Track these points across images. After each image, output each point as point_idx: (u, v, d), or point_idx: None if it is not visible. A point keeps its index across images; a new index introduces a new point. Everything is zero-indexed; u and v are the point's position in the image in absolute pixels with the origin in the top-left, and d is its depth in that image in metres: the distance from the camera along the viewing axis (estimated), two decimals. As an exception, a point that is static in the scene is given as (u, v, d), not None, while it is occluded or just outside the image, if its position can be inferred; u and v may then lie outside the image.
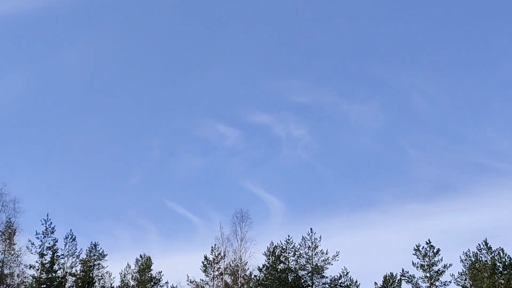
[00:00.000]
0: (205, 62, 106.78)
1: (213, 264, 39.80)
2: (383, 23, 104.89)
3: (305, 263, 39.64)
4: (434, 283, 37.51)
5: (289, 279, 39.22)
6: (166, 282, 40.56)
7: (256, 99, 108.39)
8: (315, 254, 39.57)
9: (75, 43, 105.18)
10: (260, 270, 39.31)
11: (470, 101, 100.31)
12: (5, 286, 37.17)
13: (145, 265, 39.76)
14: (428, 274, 37.80)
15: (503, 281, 34.67)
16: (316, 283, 39.50)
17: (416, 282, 38.17)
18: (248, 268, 38.52)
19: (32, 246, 36.86)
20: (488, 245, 37.19)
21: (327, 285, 39.49)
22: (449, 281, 37.43)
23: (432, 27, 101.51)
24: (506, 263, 35.62)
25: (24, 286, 37.17)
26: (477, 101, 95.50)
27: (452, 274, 37.59)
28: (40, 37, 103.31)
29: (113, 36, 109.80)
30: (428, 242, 38.57)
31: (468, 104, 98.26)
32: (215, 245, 39.98)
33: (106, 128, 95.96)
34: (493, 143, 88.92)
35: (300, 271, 39.85)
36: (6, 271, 36.60)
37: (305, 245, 40.01)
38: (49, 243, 37.39)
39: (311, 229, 40.44)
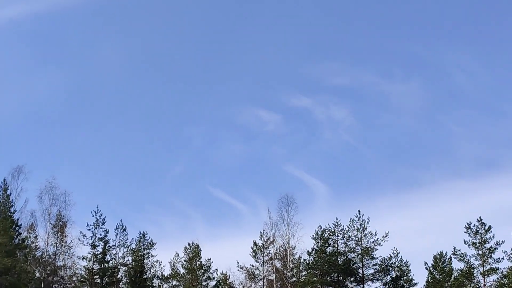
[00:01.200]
0: (242, 48, 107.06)
1: (262, 249, 39.69)
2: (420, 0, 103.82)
3: (354, 245, 39.59)
4: (486, 261, 37.31)
5: (339, 261, 39.12)
6: (216, 269, 40.45)
7: (295, 83, 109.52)
8: (364, 236, 39.46)
9: (112, 38, 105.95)
10: (309, 254, 39.26)
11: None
12: (58, 277, 37.24)
13: (194, 253, 39.60)
14: (480, 252, 37.55)
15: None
16: (367, 264, 39.46)
17: (468, 260, 37.97)
18: (297, 252, 38.37)
19: (83, 238, 36.80)
20: (541, 219, 36.94)
21: (377, 266, 39.44)
22: (502, 258, 37.11)
23: (471, 2, 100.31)
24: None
25: (76, 278, 37.17)
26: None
27: (505, 251, 37.31)
28: (79, 34, 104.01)
29: (149, 28, 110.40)
30: (479, 219, 38.18)
31: (509, 78, 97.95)
32: (263, 230, 39.84)
33: (148, 119, 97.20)
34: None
35: (349, 253, 39.81)
36: (59, 263, 36.64)
37: (353, 227, 39.90)
38: (100, 234, 37.37)
39: (359, 211, 40.28)
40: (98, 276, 36.95)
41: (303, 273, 38.81)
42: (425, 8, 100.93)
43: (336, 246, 39.96)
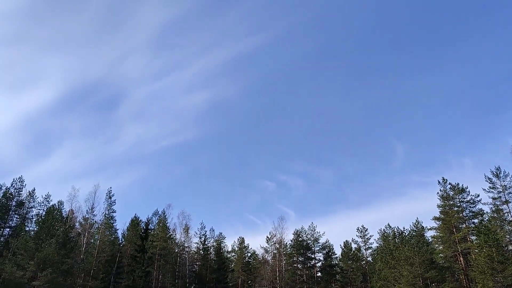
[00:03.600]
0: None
1: (271, 239, 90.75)
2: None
3: (310, 237, 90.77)
4: (367, 244, 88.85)
5: (303, 244, 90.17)
6: (251, 248, 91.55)
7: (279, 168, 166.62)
8: (314, 232, 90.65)
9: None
10: (291, 241, 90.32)
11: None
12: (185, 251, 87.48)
13: (241, 241, 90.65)
14: (363, 243, 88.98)
15: None
16: (316, 245, 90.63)
17: (357, 241, 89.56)
18: (286, 241, 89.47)
19: (196, 234, 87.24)
20: None
21: (320, 246, 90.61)
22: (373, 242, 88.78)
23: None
24: None
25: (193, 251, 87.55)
26: None
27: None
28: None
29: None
30: (363, 226, 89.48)
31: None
32: (270, 231, 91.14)
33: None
34: None
35: (308, 240, 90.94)
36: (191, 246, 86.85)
37: (310, 228, 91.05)
38: (204, 234, 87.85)
39: (312, 222, 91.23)
40: (202, 251, 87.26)
41: (288, 250, 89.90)
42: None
43: (302, 237, 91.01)
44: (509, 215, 58.03)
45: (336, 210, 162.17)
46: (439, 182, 70.09)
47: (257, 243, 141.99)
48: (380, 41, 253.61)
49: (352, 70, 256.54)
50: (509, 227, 56.79)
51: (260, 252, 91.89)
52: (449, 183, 68.60)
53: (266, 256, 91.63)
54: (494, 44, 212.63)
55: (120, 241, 72.37)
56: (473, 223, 64.15)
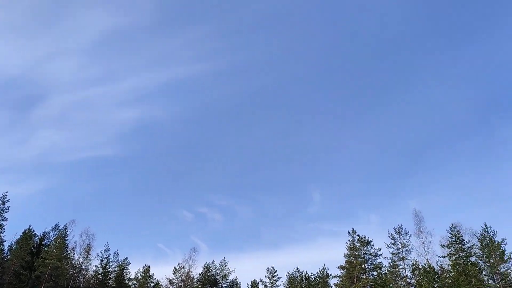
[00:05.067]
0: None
1: (179, 270, 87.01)
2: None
3: (219, 272, 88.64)
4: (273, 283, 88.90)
5: (212, 279, 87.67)
6: (156, 279, 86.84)
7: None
8: (224, 268, 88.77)
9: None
10: (200, 274, 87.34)
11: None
12: (81, 274, 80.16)
13: (147, 270, 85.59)
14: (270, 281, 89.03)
15: None
16: (224, 281, 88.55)
17: (264, 282, 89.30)
18: (194, 274, 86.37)
19: (97, 256, 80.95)
20: None
21: (228, 283, 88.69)
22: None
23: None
24: None
25: (90, 275, 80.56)
26: None
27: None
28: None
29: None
30: (271, 268, 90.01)
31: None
32: (179, 262, 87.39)
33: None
34: None
35: (217, 276, 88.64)
36: (83, 267, 79.83)
37: (221, 264, 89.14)
38: (105, 255, 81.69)
39: (224, 257, 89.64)
40: (101, 276, 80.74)
41: (195, 284, 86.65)
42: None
43: (212, 272, 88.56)
44: (404, 271, 61.95)
45: (250, 248, 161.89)
46: (349, 232, 73.34)
47: (163, 274, 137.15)
48: (317, 86, 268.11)
49: (285, 113, 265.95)
50: (403, 282, 60.41)
51: (164, 283, 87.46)
52: (358, 235, 72.00)
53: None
54: (406, 110, 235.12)
55: (5, 255, 64.39)
56: (372, 275, 67.30)
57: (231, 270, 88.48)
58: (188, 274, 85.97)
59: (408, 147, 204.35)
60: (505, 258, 53.27)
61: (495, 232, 56.17)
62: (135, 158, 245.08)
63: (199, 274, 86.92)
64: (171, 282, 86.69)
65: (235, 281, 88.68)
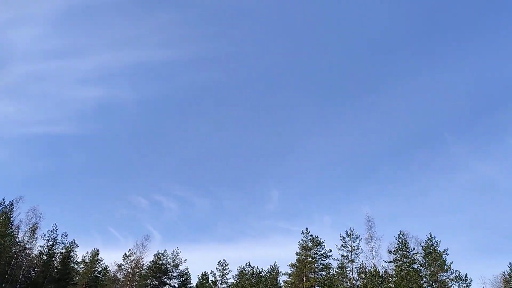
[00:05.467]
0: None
1: (129, 256, 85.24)
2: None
3: (171, 261, 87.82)
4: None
5: (162, 268, 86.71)
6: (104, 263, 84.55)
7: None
8: (176, 258, 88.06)
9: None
10: (150, 262, 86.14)
11: None
12: (25, 253, 76.63)
13: (95, 253, 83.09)
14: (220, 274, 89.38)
15: None
16: (174, 271, 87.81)
17: (215, 274, 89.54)
18: (145, 261, 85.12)
19: (44, 236, 77.72)
20: None
21: (179, 272, 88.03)
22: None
23: None
24: None
25: (34, 255, 77.21)
26: None
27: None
28: None
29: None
30: (223, 260, 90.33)
31: None
32: (130, 249, 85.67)
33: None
34: None
35: (167, 265, 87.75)
36: (28, 246, 76.31)
37: (172, 253, 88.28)
38: (52, 235, 78.47)
39: (177, 247, 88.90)
40: (46, 256, 77.64)
41: (144, 271, 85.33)
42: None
43: (163, 260, 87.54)
44: (351, 273, 64.13)
45: (204, 240, 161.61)
46: (302, 232, 74.81)
47: (113, 259, 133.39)
48: (284, 83, 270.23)
49: (249, 108, 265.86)
50: (349, 284, 62.55)
51: (113, 268, 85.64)
52: (311, 235, 73.64)
53: (119, 274, 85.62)
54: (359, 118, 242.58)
55: None
56: (321, 274, 69.16)
57: (182, 260, 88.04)
58: (138, 261, 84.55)
59: (367, 154, 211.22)
60: (445, 268, 56.43)
61: (439, 242, 59.34)
62: (92, 138, 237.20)
63: (150, 262, 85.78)
64: (120, 268, 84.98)
65: (186, 271, 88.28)
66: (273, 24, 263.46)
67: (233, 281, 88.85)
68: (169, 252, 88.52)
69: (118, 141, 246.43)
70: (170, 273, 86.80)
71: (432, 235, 60.20)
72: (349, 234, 67.65)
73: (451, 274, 56.22)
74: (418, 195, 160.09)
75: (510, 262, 55.94)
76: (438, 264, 57.10)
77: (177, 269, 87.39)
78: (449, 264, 56.77)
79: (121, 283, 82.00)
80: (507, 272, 56.31)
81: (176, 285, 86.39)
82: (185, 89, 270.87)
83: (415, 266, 59.51)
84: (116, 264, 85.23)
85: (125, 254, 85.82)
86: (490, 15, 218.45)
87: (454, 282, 54.82)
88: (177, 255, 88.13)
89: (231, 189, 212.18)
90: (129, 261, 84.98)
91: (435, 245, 59.10)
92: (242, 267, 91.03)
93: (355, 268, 64.34)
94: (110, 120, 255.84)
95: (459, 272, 55.28)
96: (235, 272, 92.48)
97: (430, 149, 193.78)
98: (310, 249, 72.49)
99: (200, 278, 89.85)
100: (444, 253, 57.93)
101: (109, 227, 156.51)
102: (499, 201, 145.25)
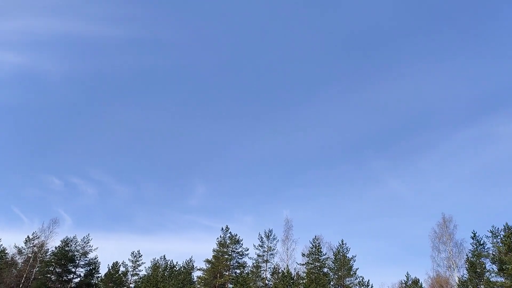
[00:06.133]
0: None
1: (30, 241, 78.36)
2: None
3: (79, 248, 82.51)
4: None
5: (68, 255, 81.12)
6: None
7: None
8: (86, 245, 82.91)
9: None
10: (56, 248, 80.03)
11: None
12: None
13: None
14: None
15: None
16: (82, 259, 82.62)
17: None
18: (49, 246, 78.83)
19: None
20: None
21: (87, 261, 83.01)
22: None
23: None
24: None
25: None
26: None
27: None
28: None
29: None
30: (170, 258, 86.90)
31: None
32: (35, 231, 78.87)
33: None
34: None
35: (76, 252, 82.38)
36: None
37: (80, 240, 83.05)
38: None
39: (86, 235, 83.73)
40: None
41: (47, 257, 79.09)
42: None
43: (71, 247, 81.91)
44: (265, 273, 65.48)
45: (121, 230, 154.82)
46: (222, 228, 74.76)
47: (13, 242, 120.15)
48: (222, 78, 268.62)
49: (182, 99, 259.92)
50: (261, 283, 63.79)
51: (12, 251, 78.07)
52: (230, 232, 73.84)
53: (18, 259, 78.32)
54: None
55: None
56: (236, 272, 69.69)
57: (93, 248, 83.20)
58: (42, 245, 78.19)
59: (295, 157, 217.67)
60: (351, 273, 60.01)
61: (349, 249, 62.93)
62: (7, 107, 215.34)
63: (56, 248, 79.70)
64: (19, 251, 77.82)
65: (95, 260, 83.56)
66: (218, 17, 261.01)
67: (145, 273, 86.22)
68: (79, 239, 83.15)
69: (37, 113, 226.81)
70: (78, 261, 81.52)
71: (344, 242, 63.68)
72: (267, 234, 69.04)
73: (355, 279, 59.86)
74: (337, 203, 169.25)
75: (407, 272, 61.00)
76: (346, 270, 60.48)
77: (86, 257, 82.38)
78: (355, 270, 60.41)
79: (19, 268, 75.06)
80: (404, 281, 61.35)
81: (82, 274, 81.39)
82: (120, 71, 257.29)
83: (325, 270, 62.45)
84: (15, 247, 77.87)
85: (28, 237, 78.84)
86: (408, 45, 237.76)
87: (357, 287, 58.44)
88: (88, 242, 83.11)
89: (155, 180, 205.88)
90: (31, 245, 78.15)
91: (345, 251, 62.54)
92: (156, 259, 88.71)
93: (269, 268, 65.84)
94: (32, 90, 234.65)
95: (363, 278, 59.06)
96: (149, 264, 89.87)
97: (352, 161, 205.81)
98: (227, 246, 72.66)
99: (110, 268, 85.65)
100: (352, 260, 61.54)
101: (13, 206, 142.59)
102: (406, 215, 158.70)
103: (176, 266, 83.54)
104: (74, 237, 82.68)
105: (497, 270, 50.61)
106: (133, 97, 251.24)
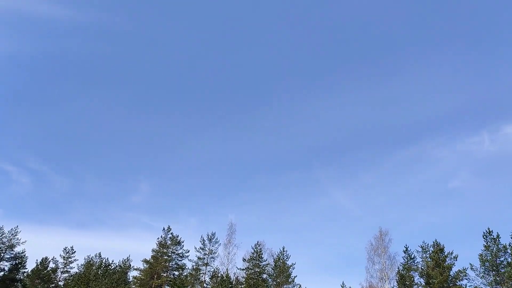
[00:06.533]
0: None
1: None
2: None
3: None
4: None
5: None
6: None
7: None
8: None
9: None
10: None
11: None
12: None
13: None
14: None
15: None
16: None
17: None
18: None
19: None
20: None
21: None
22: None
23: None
24: None
25: None
26: None
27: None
28: None
29: None
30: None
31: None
32: None
33: None
34: None
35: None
36: None
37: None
38: None
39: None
40: None
41: None
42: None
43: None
44: (204, 276, 64.65)
45: (56, 223, 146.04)
46: (164, 229, 72.92)
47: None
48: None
49: (137, 92, 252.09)
50: (199, 287, 62.88)
51: None
52: (171, 233, 72.18)
53: None
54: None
55: None
56: (174, 274, 68.16)
57: (21, 241, 77.41)
58: (-38, 235, 71.56)
59: (244, 162, 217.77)
60: (289, 280, 60.89)
61: (289, 256, 63.80)
62: None
63: (-23, 239, 73.28)
64: None
65: (22, 254, 77.83)
66: (175, 11, 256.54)
67: (77, 271, 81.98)
68: (5, 231, 77.03)
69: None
70: (2, 254, 75.46)
71: (285, 249, 64.49)
72: (209, 237, 68.32)
73: (293, 286, 60.82)
74: (282, 210, 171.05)
75: (343, 282, 62.93)
76: (284, 277, 61.22)
77: (12, 250, 76.44)
78: (293, 277, 61.36)
79: None
80: (339, 290, 63.31)
81: (7, 268, 75.42)
82: (68, 56, 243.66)
83: (264, 276, 62.84)
84: None
85: None
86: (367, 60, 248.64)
87: (294, 294, 59.43)
88: (15, 235, 77.06)
89: (97, 173, 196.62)
90: None
91: (285, 258, 63.34)
92: (91, 256, 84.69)
93: (208, 271, 65.10)
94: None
95: (300, 286, 60.17)
96: (82, 262, 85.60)
97: (300, 169, 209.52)
98: (168, 247, 70.94)
99: (38, 264, 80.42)
100: (291, 267, 62.46)
101: None
102: (346, 227, 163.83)
103: (112, 265, 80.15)
104: (0, 228, 76.57)
105: (424, 283, 53.74)
106: (80, 85, 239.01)
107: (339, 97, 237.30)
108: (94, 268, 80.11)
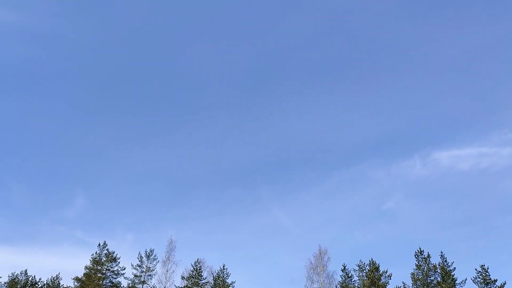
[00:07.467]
0: None
1: None
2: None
3: None
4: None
5: None
6: None
7: None
8: None
9: None
10: None
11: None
12: None
13: None
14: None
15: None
16: None
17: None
18: None
19: None
20: None
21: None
22: None
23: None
24: None
25: None
26: None
27: None
28: None
29: None
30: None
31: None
32: None
33: None
34: None
35: None
36: None
37: None
38: None
39: None
40: None
41: None
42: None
43: None
44: (140, 294, 61.60)
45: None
46: (99, 244, 68.88)
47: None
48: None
49: (76, 99, 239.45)
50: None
51: None
52: (107, 249, 68.42)
53: None
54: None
55: None
56: (107, 293, 64.36)
57: None
58: None
59: (186, 176, 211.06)
60: (229, 299, 59.59)
61: (229, 274, 62.48)
62: None
63: None
64: None
65: None
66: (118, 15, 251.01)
67: (-1, 290, 75.01)
68: None
69: None
70: None
71: (225, 267, 63.16)
72: (147, 254, 65.57)
73: (231, 305, 59.50)
74: (224, 226, 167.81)
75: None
76: (224, 295, 59.82)
77: None
78: (233, 295, 60.13)
79: None
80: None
81: None
82: (6, 59, 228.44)
83: (203, 294, 60.99)
84: None
85: None
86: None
87: (232, 313, 58.07)
88: None
89: (26, 183, 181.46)
90: None
91: (225, 276, 61.98)
92: (15, 274, 77.98)
93: (144, 289, 62.10)
94: None
95: (238, 304, 59.01)
96: (6, 280, 78.55)
97: (243, 186, 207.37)
98: (102, 264, 66.98)
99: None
100: (231, 286, 61.14)
101: None
102: (287, 245, 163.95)
103: (39, 283, 74.20)
104: None
105: (360, 302, 54.69)
106: (12, 87, 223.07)
107: (286, 113, 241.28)
108: (19, 286, 73.71)
